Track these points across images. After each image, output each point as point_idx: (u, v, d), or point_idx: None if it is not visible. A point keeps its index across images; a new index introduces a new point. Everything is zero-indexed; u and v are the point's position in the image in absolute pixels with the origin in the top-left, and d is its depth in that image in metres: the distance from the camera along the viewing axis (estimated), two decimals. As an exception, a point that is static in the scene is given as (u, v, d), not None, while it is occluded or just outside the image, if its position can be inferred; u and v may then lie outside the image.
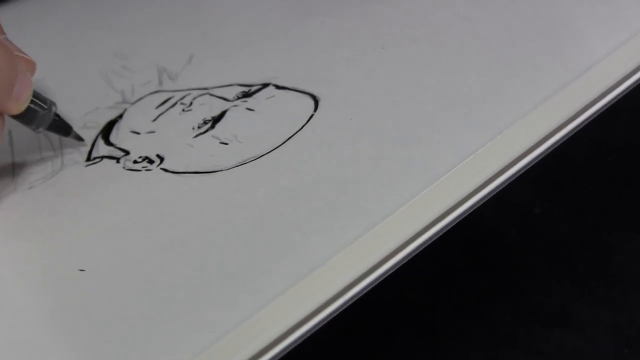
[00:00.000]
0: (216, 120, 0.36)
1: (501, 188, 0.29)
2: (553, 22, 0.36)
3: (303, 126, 0.34)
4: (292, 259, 0.27)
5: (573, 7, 0.36)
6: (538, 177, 0.44)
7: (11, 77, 0.32)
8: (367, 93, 0.35)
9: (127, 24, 0.48)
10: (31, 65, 0.34)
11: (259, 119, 0.35)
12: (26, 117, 0.34)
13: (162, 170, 0.34)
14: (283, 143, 0.33)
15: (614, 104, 0.32)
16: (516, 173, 0.29)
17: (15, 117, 0.34)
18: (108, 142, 0.37)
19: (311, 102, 0.35)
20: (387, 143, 0.31)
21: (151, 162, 0.35)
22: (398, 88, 0.34)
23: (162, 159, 0.35)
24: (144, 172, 0.34)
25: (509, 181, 0.29)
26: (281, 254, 0.27)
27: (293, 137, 0.33)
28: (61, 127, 0.36)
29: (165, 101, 0.39)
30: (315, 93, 0.36)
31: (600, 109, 0.31)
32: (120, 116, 0.39)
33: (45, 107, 0.35)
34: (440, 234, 0.28)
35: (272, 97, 0.36)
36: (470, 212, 0.29)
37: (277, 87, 0.37)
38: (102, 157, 0.36)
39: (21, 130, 0.36)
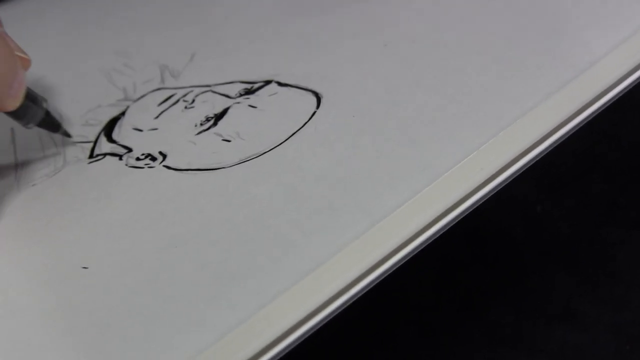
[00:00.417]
0: (218, 117, 0.36)
1: (503, 185, 0.29)
2: (554, 20, 0.36)
3: (305, 123, 0.34)
4: (293, 258, 0.27)
5: (574, 4, 0.36)
6: (541, 175, 0.44)
7: (11, 76, 0.32)
8: (369, 90, 0.35)
9: (129, 22, 0.48)
10: (26, 62, 0.35)
11: (262, 116, 0.35)
12: (18, 112, 0.35)
13: (164, 168, 0.34)
14: (285, 140, 0.33)
15: (617, 101, 0.32)
16: (518, 170, 0.29)
17: (7, 112, 0.34)
18: (110, 140, 0.37)
19: (313, 99, 0.35)
20: (389, 141, 0.31)
21: (154, 159, 0.35)
22: (400, 86, 0.34)
23: (164, 156, 0.35)
24: (146, 169, 0.34)
25: (512, 178, 0.29)
26: (282, 252, 0.27)
27: (295, 134, 0.33)
28: (51, 123, 0.37)
29: (168, 98, 0.39)
30: (317, 90, 0.36)
31: (603, 106, 0.31)
32: (123, 113, 0.39)
33: (37, 103, 0.35)
34: (442, 231, 0.28)
35: (274, 94, 0.36)
36: (472, 209, 0.29)
37: (280, 84, 0.37)
38: (105, 155, 0.36)
39: (23, 128, 0.36)
